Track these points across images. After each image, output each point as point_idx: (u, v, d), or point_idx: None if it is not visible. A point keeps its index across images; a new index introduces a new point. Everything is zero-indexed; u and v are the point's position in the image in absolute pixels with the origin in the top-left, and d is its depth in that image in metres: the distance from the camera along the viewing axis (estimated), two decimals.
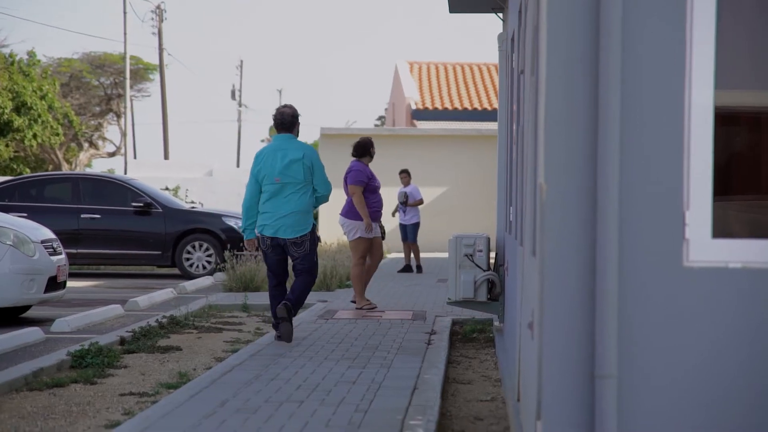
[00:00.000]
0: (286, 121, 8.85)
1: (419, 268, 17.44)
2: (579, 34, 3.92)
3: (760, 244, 3.93)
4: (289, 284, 9.04)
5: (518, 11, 6.57)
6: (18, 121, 29.72)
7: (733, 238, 3.98)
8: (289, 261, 8.96)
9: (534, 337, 4.28)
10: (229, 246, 16.65)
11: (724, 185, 4.06)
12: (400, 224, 17.61)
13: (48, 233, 11.39)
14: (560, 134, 3.94)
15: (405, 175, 17.70)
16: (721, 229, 3.94)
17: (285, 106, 8.97)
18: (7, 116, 29.42)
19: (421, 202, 17.59)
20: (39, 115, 30.37)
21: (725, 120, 4.05)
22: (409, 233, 17.46)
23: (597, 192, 3.87)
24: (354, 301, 11.34)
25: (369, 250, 11.16)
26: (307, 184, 8.72)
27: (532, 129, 4.82)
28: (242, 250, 15.83)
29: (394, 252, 23.43)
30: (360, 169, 11.11)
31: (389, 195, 21.13)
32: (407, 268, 17.54)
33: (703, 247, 3.89)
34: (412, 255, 17.70)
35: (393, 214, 17.86)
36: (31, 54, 32.45)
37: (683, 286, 3.91)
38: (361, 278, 11.14)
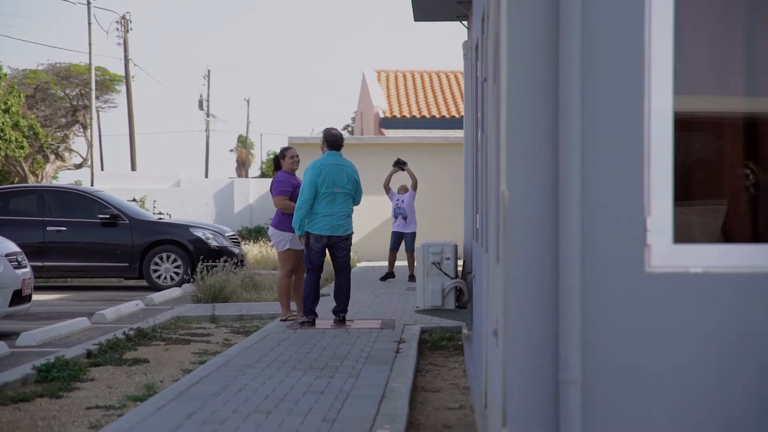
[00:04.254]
0: (339, 141, 10.69)
1: (412, 277, 16.69)
2: (539, 43, 3.94)
3: (720, 248, 3.97)
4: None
5: (481, 19, 6.59)
6: None
7: (694, 243, 4.01)
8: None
9: (499, 343, 4.29)
10: (195, 256, 16.61)
11: (686, 190, 4.09)
12: (396, 232, 17.12)
13: (12, 246, 11.29)
14: (522, 142, 3.96)
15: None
16: (683, 235, 3.97)
17: (333, 128, 10.89)
18: None
19: (415, 183, 17.19)
20: (2, 130, 29.99)
21: (685, 125, 4.08)
22: (408, 241, 16.93)
23: (559, 199, 3.89)
24: (283, 319, 11.04)
25: (297, 262, 11.09)
26: (351, 193, 10.56)
27: (494, 136, 4.83)
28: (208, 261, 15.73)
29: (363, 261, 23.42)
30: (282, 180, 11.13)
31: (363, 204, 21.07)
32: (390, 275, 17.30)
33: (665, 252, 3.92)
34: (395, 263, 17.44)
35: (386, 184, 17.15)
36: None
37: (646, 292, 3.93)
38: (287, 291, 11.07)
